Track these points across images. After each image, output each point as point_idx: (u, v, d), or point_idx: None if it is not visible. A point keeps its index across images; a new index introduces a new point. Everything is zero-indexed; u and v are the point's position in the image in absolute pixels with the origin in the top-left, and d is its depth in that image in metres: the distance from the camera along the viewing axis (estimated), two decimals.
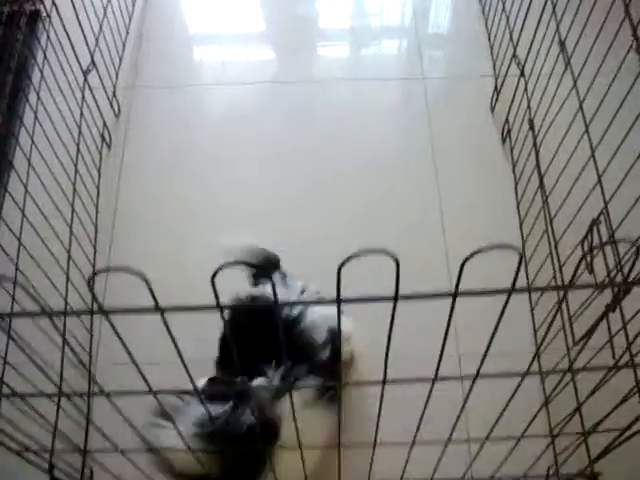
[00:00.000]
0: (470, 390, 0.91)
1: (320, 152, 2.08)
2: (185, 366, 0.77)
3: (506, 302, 0.68)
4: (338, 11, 2.50)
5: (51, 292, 1.53)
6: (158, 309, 0.65)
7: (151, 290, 0.62)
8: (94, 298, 0.63)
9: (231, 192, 1.99)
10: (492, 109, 2.12)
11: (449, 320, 0.71)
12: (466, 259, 0.59)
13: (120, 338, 0.73)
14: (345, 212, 1.95)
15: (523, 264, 1.77)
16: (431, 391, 0.86)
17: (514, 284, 0.65)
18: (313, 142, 2.10)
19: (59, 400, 1.32)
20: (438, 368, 0.81)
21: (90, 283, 0.60)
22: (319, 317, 1.40)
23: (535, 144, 1.75)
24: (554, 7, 1.63)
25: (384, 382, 0.80)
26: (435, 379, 0.81)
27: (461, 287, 0.65)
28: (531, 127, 1.77)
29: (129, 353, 0.75)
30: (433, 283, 1.77)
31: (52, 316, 0.67)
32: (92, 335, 1.69)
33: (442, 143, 2.07)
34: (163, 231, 1.91)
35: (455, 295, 0.65)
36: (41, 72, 1.67)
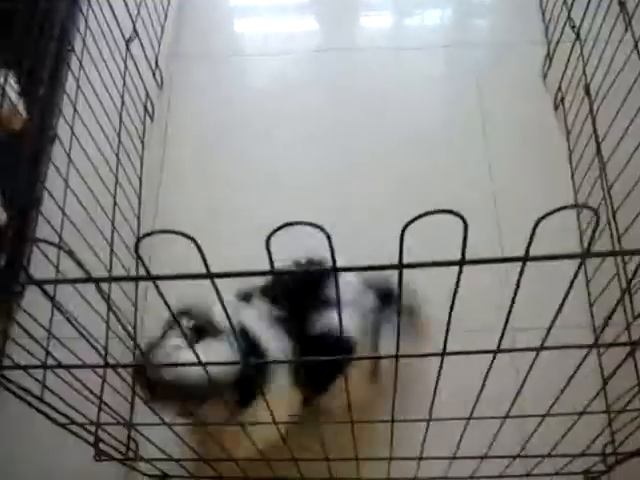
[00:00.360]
0: (532, 364, 0.86)
1: (364, 124, 2.02)
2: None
3: (579, 266, 0.63)
4: None
5: (95, 264, 1.51)
6: (209, 275, 0.62)
7: (201, 252, 0.59)
8: (141, 261, 0.60)
9: (273, 166, 1.95)
10: (544, 76, 2.04)
11: (516, 288, 0.67)
12: (541, 218, 0.55)
13: (167, 305, 0.70)
14: (390, 185, 1.90)
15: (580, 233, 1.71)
16: (492, 364, 0.82)
17: (589, 247, 0.61)
18: (356, 114, 2.04)
19: (105, 372, 1.30)
20: (502, 338, 0.76)
21: (137, 247, 0.57)
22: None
23: (592, 110, 1.68)
24: None
25: (444, 354, 0.76)
26: (498, 350, 0.77)
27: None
28: (587, 93, 1.70)
29: (176, 320, 0.71)
30: (485, 254, 1.72)
31: (98, 282, 0.64)
32: (136, 307, 1.67)
33: (491, 113, 2.00)
34: (207, 204, 1.88)
35: (525, 259, 0.61)
36: (83, 41, 1.64)
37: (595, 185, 1.65)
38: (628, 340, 1.32)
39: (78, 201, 1.49)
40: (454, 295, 0.67)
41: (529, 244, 0.60)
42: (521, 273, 0.64)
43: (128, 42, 1.82)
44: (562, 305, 0.71)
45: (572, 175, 1.83)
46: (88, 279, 0.64)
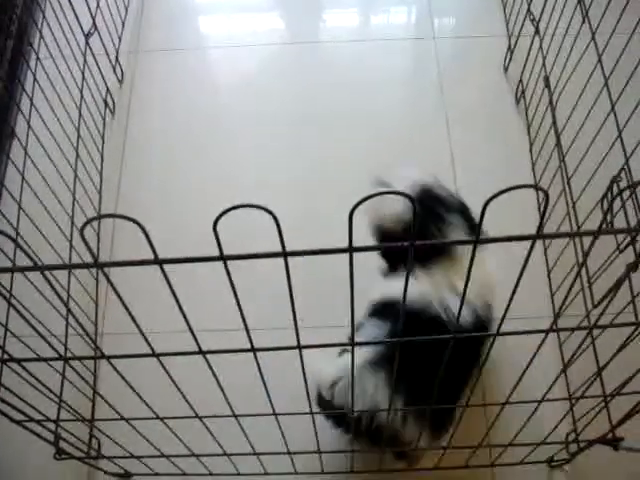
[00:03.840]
0: (489, 350, 0.87)
1: (327, 118, 2.02)
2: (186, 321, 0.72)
3: (530, 248, 0.63)
4: None
5: (54, 259, 1.49)
6: (157, 261, 0.61)
7: (149, 239, 0.57)
8: (87, 247, 0.59)
9: (235, 159, 1.94)
10: (505, 69, 2.05)
11: (469, 271, 0.67)
12: (489, 200, 0.54)
13: (118, 295, 0.69)
14: (354, 178, 1.89)
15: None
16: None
17: (540, 228, 0.61)
18: (320, 108, 2.04)
19: (64, 368, 1.28)
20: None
21: (82, 230, 0.55)
22: None
23: (551, 101, 1.69)
24: None
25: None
26: (454, 337, 0.76)
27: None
28: (547, 85, 1.71)
29: (132, 318, 0.70)
30: None
31: (45, 270, 0.63)
32: (97, 303, 1.65)
33: (454, 106, 2.01)
34: (168, 200, 1.87)
35: (476, 242, 0.61)
36: (41, 35, 1.61)
37: (555, 176, 1.66)
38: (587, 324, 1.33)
39: (36, 196, 1.47)
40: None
41: (479, 225, 0.59)
42: (472, 259, 0.63)
43: (87, 36, 1.80)
44: (516, 287, 0.71)
45: (533, 166, 1.84)
46: (35, 268, 0.63)
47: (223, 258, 0.60)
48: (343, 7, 2.37)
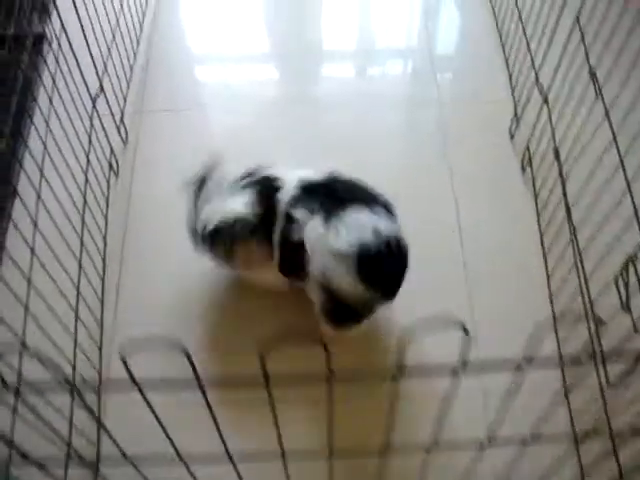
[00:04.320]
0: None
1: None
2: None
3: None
4: (346, 32, 2.44)
5: (58, 332, 1.45)
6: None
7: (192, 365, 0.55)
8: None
9: None
10: (511, 136, 2.05)
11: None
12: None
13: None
14: None
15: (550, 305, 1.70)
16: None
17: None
18: (321, 165, 2.02)
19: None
20: None
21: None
22: None
23: (561, 174, 1.69)
24: (582, 36, 1.57)
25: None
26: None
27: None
28: (557, 157, 1.71)
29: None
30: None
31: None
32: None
33: (458, 169, 1.99)
34: (172, 261, 1.84)
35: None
36: (50, 100, 1.59)
37: (565, 251, 1.65)
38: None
39: (41, 265, 1.43)
40: None
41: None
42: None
43: (94, 99, 1.79)
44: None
45: (541, 238, 1.83)
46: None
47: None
48: (342, 62, 2.38)
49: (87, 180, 1.69)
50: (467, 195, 1.95)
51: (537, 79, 1.82)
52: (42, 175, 1.48)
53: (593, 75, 1.56)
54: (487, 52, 2.30)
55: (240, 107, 2.18)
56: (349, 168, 1.95)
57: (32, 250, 1.37)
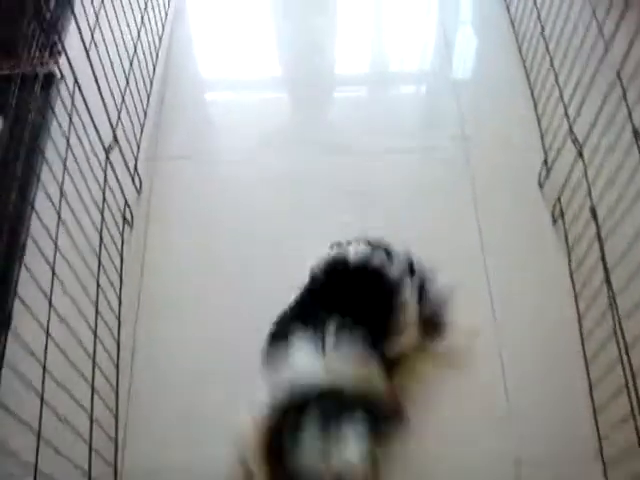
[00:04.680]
0: None
1: (350, 225, 1.90)
2: None
3: None
4: (369, 74, 2.37)
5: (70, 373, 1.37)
6: None
7: None
8: None
9: (258, 265, 1.85)
10: (541, 185, 1.97)
11: None
12: None
13: None
14: None
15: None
16: None
17: None
18: (343, 213, 1.94)
19: None
20: None
21: None
22: None
23: (599, 237, 1.60)
24: (624, 93, 1.49)
25: None
26: None
27: None
28: (594, 217, 1.62)
29: None
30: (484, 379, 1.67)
31: None
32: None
33: (487, 219, 1.92)
34: (190, 314, 1.77)
35: None
36: (62, 157, 1.51)
37: (604, 314, 1.56)
38: None
39: (58, 316, 1.33)
40: None
41: None
42: None
43: (108, 151, 1.71)
44: None
45: (575, 299, 1.74)
46: None
47: None
48: (363, 108, 2.29)
49: (102, 241, 1.60)
50: (495, 246, 1.88)
51: (571, 129, 1.74)
52: (56, 246, 1.38)
53: (636, 133, 1.47)
54: (515, 96, 2.21)
55: (255, 153, 2.10)
56: (374, 219, 1.89)
57: (47, 329, 1.29)
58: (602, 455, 1.52)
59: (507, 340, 1.72)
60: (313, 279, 1.38)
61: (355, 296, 1.31)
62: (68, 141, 1.51)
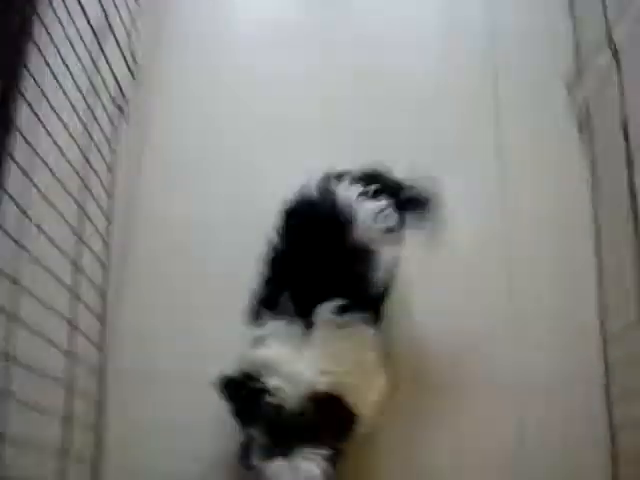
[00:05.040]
0: None
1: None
2: None
3: None
4: None
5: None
6: None
7: None
8: None
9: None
10: (568, 90, 1.80)
11: None
12: None
13: None
14: None
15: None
16: None
17: None
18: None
19: None
20: None
21: None
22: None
23: (628, 149, 1.45)
24: None
25: None
26: None
27: None
28: (625, 138, 1.46)
29: None
30: (492, 300, 1.60)
31: None
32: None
33: (509, 120, 1.79)
34: (194, 194, 1.71)
35: None
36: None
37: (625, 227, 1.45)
38: None
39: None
40: None
41: None
42: None
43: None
44: None
45: (595, 216, 1.64)
46: None
47: None
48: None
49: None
50: (516, 158, 1.75)
51: (608, 34, 1.56)
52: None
53: None
54: None
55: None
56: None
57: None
58: None
59: (517, 248, 1.64)
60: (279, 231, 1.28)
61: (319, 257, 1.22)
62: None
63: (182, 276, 1.62)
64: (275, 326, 1.18)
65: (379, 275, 1.24)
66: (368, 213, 1.22)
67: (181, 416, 1.46)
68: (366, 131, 1.76)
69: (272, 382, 1.09)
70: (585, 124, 1.73)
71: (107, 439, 1.45)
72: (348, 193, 1.23)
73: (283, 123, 1.78)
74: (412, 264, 1.41)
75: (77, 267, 1.39)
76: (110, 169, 1.63)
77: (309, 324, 1.16)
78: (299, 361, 1.13)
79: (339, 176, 1.29)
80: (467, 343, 1.54)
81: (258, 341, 1.18)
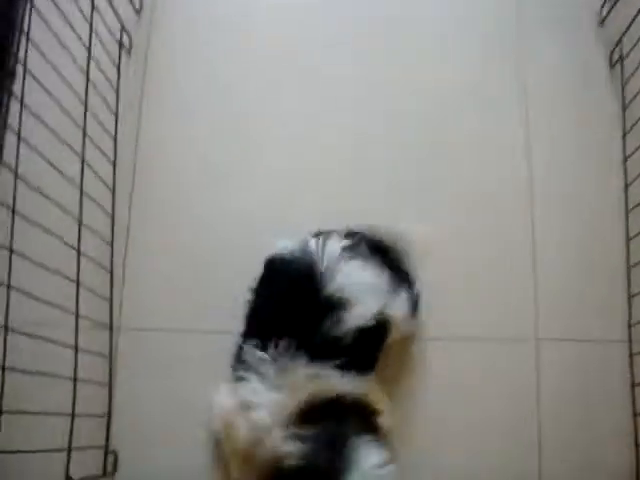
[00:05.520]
0: None
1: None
2: None
3: None
4: None
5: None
6: None
7: None
8: None
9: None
10: (600, 23, 1.68)
11: None
12: None
13: None
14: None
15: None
16: None
17: None
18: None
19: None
20: None
21: None
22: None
23: None
24: None
25: None
26: None
27: None
28: None
29: None
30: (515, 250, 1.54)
31: None
32: None
33: (532, 56, 1.67)
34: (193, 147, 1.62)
35: None
36: None
37: None
38: None
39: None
40: None
41: None
42: None
43: None
44: None
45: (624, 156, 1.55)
46: None
47: None
48: None
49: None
50: (540, 94, 1.64)
51: None
52: None
53: None
54: None
55: None
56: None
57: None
58: None
59: (543, 192, 1.57)
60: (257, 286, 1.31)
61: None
62: None
63: None
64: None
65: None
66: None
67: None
68: None
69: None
70: (617, 59, 1.62)
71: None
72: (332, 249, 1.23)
73: None
74: None
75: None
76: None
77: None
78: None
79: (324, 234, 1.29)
80: None
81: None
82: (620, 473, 1.39)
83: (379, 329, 1.23)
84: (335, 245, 1.24)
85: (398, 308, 1.26)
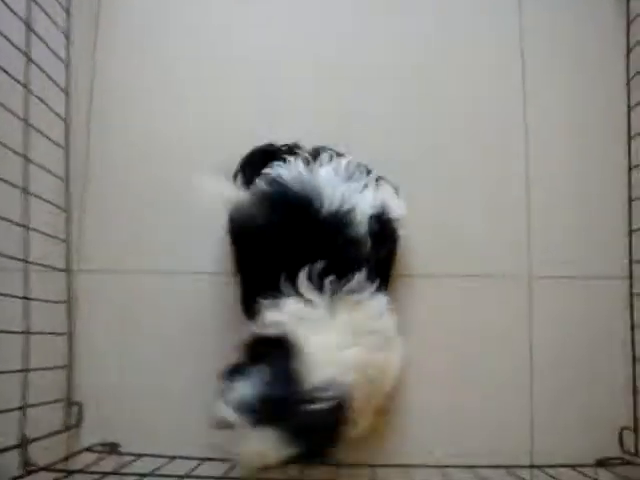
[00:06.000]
0: None
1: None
2: None
3: None
4: None
5: None
6: None
7: None
8: None
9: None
10: None
11: None
12: None
13: None
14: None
15: None
16: None
17: None
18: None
19: None
20: None
21: None
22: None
23: None
24: None
25: None
26: None
27: None
28: None
29: None
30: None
31: None
32: None
33: None
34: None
35: None
36: None
37: None
38: None
39: None
40: None
41: None
42: None
43: None
44: None
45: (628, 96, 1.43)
46: None
47: None
48: None
49: None
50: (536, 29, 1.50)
51: None
52: None
53: None
54: None
55: None
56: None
57: None
58: None
59: (537, 120, 1.45)
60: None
61: None
62: None
63: None
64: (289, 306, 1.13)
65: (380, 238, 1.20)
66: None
67: None
68: None
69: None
70: None
71: None
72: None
73: None
74: None
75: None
76: None
77: (321, 300, 1.13)
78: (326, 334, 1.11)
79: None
80: None
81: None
82: (617, 419, 1.32)
83: (386, 227, 1.22)
84: (325, 167, 1.22)
85: (389, 196, 1.26)
